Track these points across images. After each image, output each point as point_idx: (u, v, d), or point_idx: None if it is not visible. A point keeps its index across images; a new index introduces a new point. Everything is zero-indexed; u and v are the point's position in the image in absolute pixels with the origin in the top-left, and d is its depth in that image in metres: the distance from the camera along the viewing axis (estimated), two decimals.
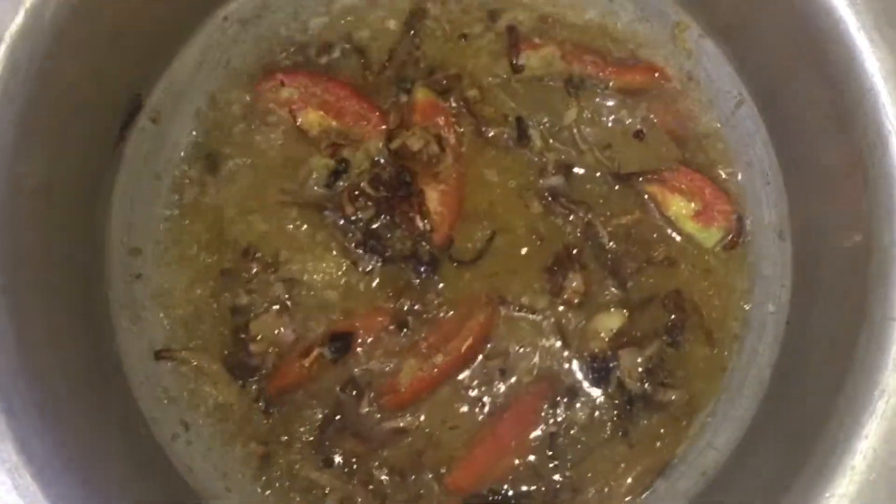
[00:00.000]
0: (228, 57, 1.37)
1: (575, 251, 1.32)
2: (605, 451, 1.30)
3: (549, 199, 1.32)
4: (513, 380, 1.31)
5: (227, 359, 1.32)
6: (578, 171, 1.34)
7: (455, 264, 1.32)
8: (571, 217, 1.32)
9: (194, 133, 1.36)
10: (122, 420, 1.25)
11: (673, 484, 1.31)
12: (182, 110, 1.35)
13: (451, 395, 1.31)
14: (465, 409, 1.31)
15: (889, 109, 1.06)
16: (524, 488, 1.29)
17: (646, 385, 1.30)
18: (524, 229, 1.33)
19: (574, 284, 1.30)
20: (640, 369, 1.30)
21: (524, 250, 1.33)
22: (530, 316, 1.32)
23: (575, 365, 1.31)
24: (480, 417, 1.30)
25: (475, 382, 1.31)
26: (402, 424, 1.29)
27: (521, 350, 1.31)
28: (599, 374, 1.30)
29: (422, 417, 1.30)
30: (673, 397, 1.30)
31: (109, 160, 1.28)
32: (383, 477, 1.29)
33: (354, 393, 1.30)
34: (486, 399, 1.31)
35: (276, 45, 1.37)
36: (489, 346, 1.31)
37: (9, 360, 1.01)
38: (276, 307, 1.31)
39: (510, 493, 1.28)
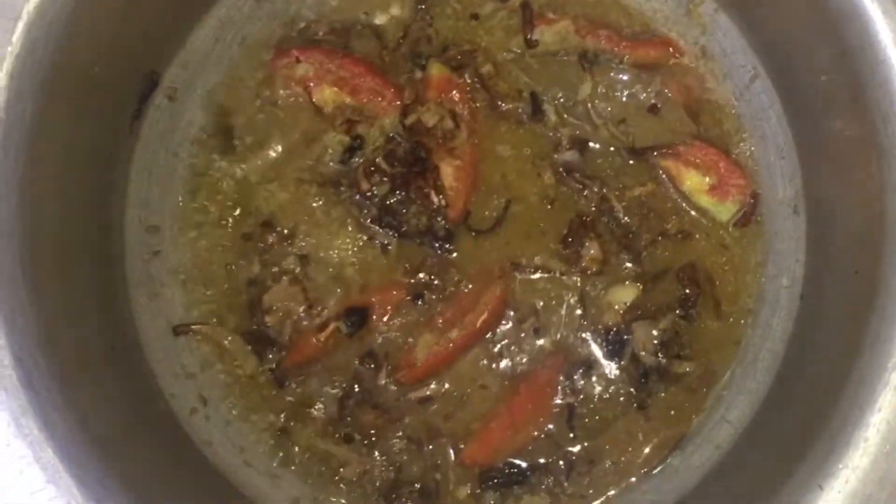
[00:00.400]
0: (244, 34, 1.37)
1: (589, 219, 1.32)
2: (622, 424, 1.31)
3: (564, 173, 1.33)
4: (545, 340, 1.32)
5: (244, 332, 1.33)
6: (593, 145, 1.35)
7: (473, 234, 1.33)
8: (586, 192, 1.33)
9: (210, 110, 1.36)
10: (141, 395, 1.26)
11: (688, 457, 1.32)
12: (198, 87, 1.36)
13: (483, 357, 1.33)
14: (496, 366, 1.33)
15: None
16: (541, 460, 1.30)
17: (660, 358, 1.31)
18: (539, 200, 1.34)
19: (592, 252, 1.31)
20: (654, 342, 1.30)
21: (540, 222, 1.34)
22: (547, 275, 1.33)
23: (590, 338, 1.32)
24: (507, 382, 1.32)
25: (507, 342, 1.33)
26: (427, 392, 1.30)
27: (549, 305, 1.33)
28: (614, 346, 1.32)
29: (446, 385, 1.31)
30: (688, 369, 1.31)
31: (126, 137, 1.29)
32: (399, 447, 1.31)
33: (372, 366, 1.31)
34: (520, 359, 1.32)
35: (292, 21, 1.38)
36: (512, 312, 1.33)
37: (30, 336, 1.02)
38: (286, 278, 1.32)
39: (525, 465, 1.30)
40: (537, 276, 1.33)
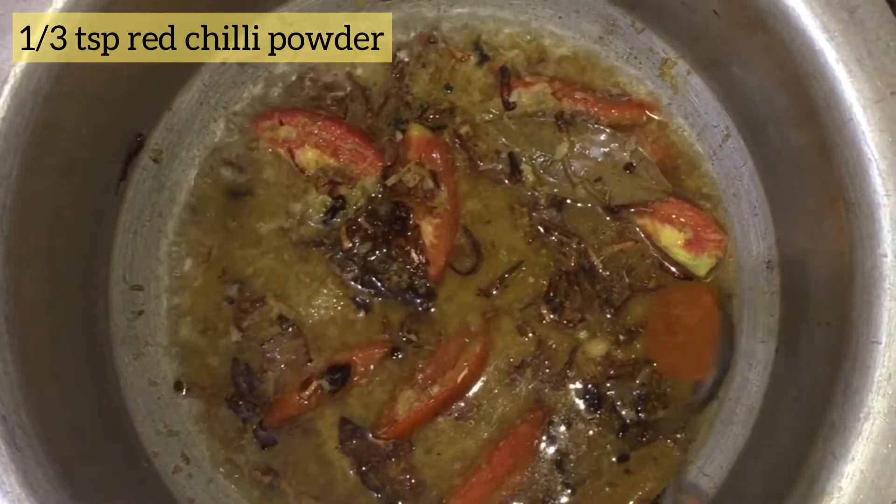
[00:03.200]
0: (227, 98, 1.40)
1: (570, 274, 1.34)
2: (604, 477, 1.33)
3: (542, 230, 1.35)
4: (524, 394, 1.33)
5: (227, 394, 1.34)
6: (571, 203, 1.37)
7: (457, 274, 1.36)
8: (565, 248, 1.35)
9: (194, 171, 1.38)
10: (124, 452, 1.27)
11: None
12: (182, 150, 1.38)
13: (463, 412, 1.34)
14: (476, 420, 1.34)
15: (868, 138, 1.07)
16: None
17: (639, 412, 1.32)
18: (519, 257, 1.36)
19: (571, 306, 1.34)
20: (635, 393, 1.32)
21: (519, 278, 1.35)
22: (530, 335, 1.34)
23: (569, 391, 1.34)
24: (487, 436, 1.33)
25: (488, 397, 1.34)
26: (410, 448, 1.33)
27: (529, 360, 1.34)
28: (593, 399, 1.33)
29: (427, 440, 1.33)
30: (662, 415, 1.32)
31: (112, 198, 1.31)
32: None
33: (350, 428, 1.32)
34: (500, 414, 1.34)
35: (275, 84, 1.40)
36: (492, 368, 1.34)
37: (12, 393, 1.03)
38: (273, 339, 1.33)
39: None
40: (517, 332, 1.34)
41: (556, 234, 1.35)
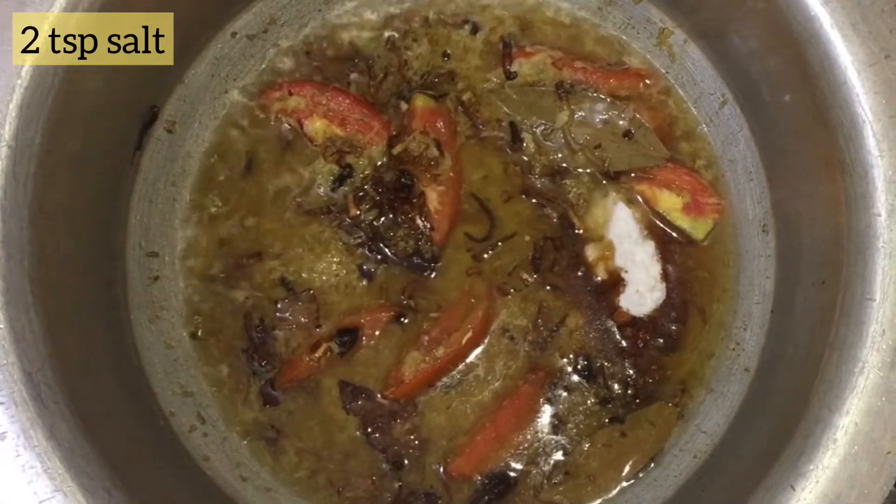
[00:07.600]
0: (238, 70, 1.42)
1: (555, 240, 1.38)
2: (598, 440, 1.36)
3: (535, 197, 1.39)
4: (526, 357, 1.37)
5: (242, 345, 1.38)
6: (572, 170, 1.40)
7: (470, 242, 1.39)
8: (547, 211, 1.39)
9: (207, 142, 1.41)
10: (143, 411, 1.31)
11: (666, 467, 1.37)
12: (195, 121, 1.41)
13: (467, 373, 1.38)
14: (480, 382, 1.38)
15: (863, 100, 1.11)
16: (520, 472, 1.35)
17: (629, 391, 1.37)
18: (514, 223, 1.39)
19: (556, 269, 1.38)
20: (629, 372, 1.37)
21: (517, 244, 1.39)
22: (528, 295, 1.38)
23: (564, 357, 1.37)
24: (491, 397, 1.37)
25: (491, 359, 1.38)
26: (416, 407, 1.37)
27: (530, 324, 1.38)
28: (584, 367, 1.37)
29: (433, 401, 1.37)
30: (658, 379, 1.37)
31: (128, 168, 1.34)
32: (384, 465, 1.36)
33: (351, 389, 1.36)
34: (503, 375, 1.37)
35: (283, 56, 1.43)
36: (495, 331, 1.38)
37: (38, 352, 1.06)
38: (287, 300, 1.37)
39: (507, 476, 1.35)
40: (518, 296, 1.38)
41: (535, 198, 1.39)
